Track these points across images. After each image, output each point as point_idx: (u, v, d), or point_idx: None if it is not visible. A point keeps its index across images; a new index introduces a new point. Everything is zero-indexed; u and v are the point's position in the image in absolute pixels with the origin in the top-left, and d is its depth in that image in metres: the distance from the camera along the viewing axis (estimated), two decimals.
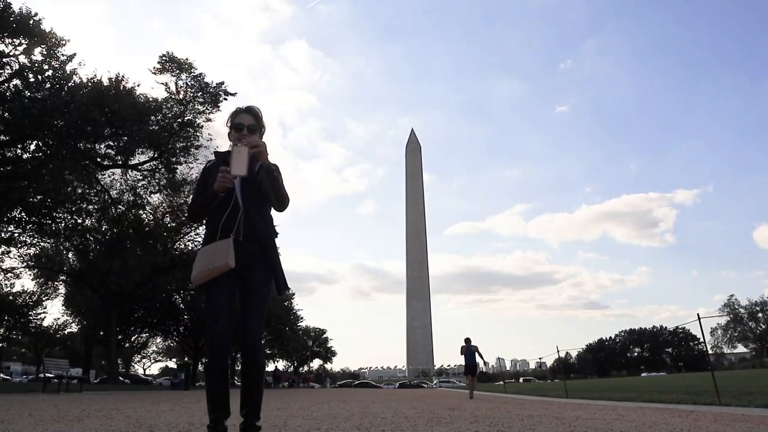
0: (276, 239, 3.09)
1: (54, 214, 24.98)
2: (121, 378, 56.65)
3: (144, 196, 30.70)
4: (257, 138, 3.02)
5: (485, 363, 17.10)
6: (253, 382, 2.95)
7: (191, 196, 3.61)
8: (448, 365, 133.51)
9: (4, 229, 25.53)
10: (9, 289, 43.05)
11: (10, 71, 21.90)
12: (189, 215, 3.20)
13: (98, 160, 26.67)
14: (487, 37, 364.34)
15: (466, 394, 17.02)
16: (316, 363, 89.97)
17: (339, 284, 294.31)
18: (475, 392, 16.88)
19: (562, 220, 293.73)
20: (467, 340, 16.69)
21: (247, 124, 3.06)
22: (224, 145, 46.41)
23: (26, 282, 51.61)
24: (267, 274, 2.99)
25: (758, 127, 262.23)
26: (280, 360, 73.57)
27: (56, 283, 45.08)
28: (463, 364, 16.82)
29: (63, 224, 26.33)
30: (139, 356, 78.84)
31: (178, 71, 26.92)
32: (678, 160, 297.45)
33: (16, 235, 26.49)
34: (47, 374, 16.85)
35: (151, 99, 26.29)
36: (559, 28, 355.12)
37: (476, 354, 16.46)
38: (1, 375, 56.21)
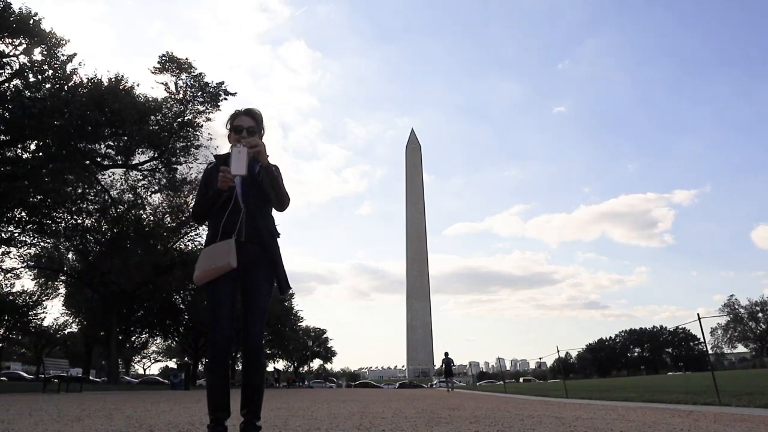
0: (278, 239, 3.10)
1: (54, 214, 24.95)
2: (159, 378, 56.46)
3: (144, 196, 30.74)
4: (256, 139, 3.02)
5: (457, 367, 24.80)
6: (253, 382, 2.95)
7: (194, 200, 3.61)
8: None
9: (4, 229, 25.49)
10: (9, 289, 43.04)
11: (10, 71, 21.89)
12: (194, 217, 3.20)
13: (98, 160, 26.66)
14: (485, 37, 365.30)
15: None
16: (316, 363, 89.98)
17: (338, 284, 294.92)
18: (454, 390, 24.83)
19: (561, 220, 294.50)
20: (446, 354, 25.10)
21: (247, 126, 3.06)
22: (224, 145, 46.17)
23: (26, 282, 51.76)
24: (269, 274, 2.99)
25: (757, 127, 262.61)
26: (280, 360, 73.65)
27: (56, 283, 45.02)
28: (444, 370, 25.84)
29: (63, 224, 26.30)
30: (139, 356, 78.84)
31: (177, 71, 26.92)
32: (676, 160, 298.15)
33: (16, 235, 26.46)
34: (47, 374, 16.78)
35: (150, 99, 26.30)
36: (557, 29, 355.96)
37: (451, 364, 25.33)
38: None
